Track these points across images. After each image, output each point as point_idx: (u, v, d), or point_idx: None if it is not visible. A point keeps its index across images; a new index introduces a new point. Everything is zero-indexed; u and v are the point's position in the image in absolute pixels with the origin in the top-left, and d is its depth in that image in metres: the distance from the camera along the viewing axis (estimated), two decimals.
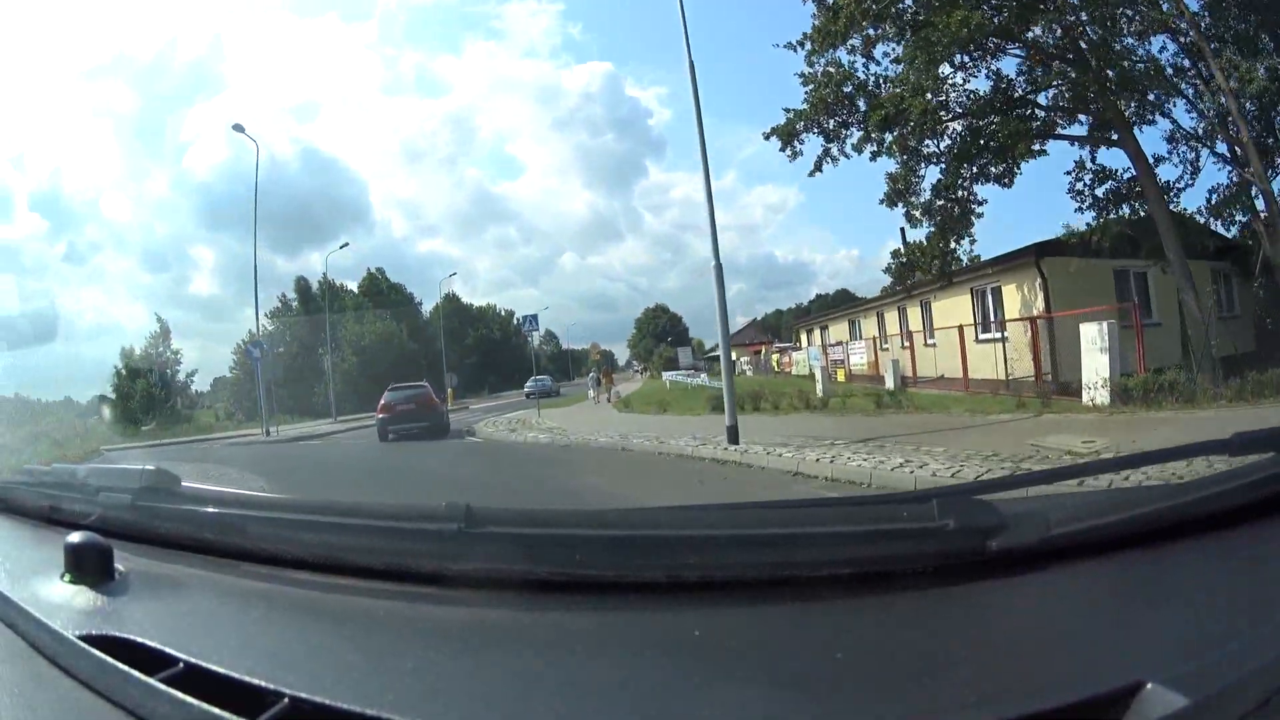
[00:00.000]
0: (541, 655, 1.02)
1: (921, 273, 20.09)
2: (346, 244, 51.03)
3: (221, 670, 0.98)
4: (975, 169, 17.37)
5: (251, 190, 72.28)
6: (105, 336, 54.06)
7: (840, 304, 45.17)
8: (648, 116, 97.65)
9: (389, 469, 15.07)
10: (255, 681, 0.95)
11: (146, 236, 72.90)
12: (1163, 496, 1.25)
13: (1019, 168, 17.33)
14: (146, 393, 48.35)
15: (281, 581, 1.32)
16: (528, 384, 39.95)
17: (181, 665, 1.01)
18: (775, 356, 43.64)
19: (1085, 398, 13.20)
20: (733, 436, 11.96)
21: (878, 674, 0.91)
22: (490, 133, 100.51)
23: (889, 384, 20.65)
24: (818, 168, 17.84)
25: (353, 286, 61.26)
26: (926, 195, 17.85)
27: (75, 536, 1.34)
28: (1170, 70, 16.60)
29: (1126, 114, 16.47)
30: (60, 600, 1.27)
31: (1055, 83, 16.96)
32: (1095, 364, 13.33)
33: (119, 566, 1.35)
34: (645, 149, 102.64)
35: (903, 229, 20.13)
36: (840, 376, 24.67)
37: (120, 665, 1.01)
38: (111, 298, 76.97)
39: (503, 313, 73.28)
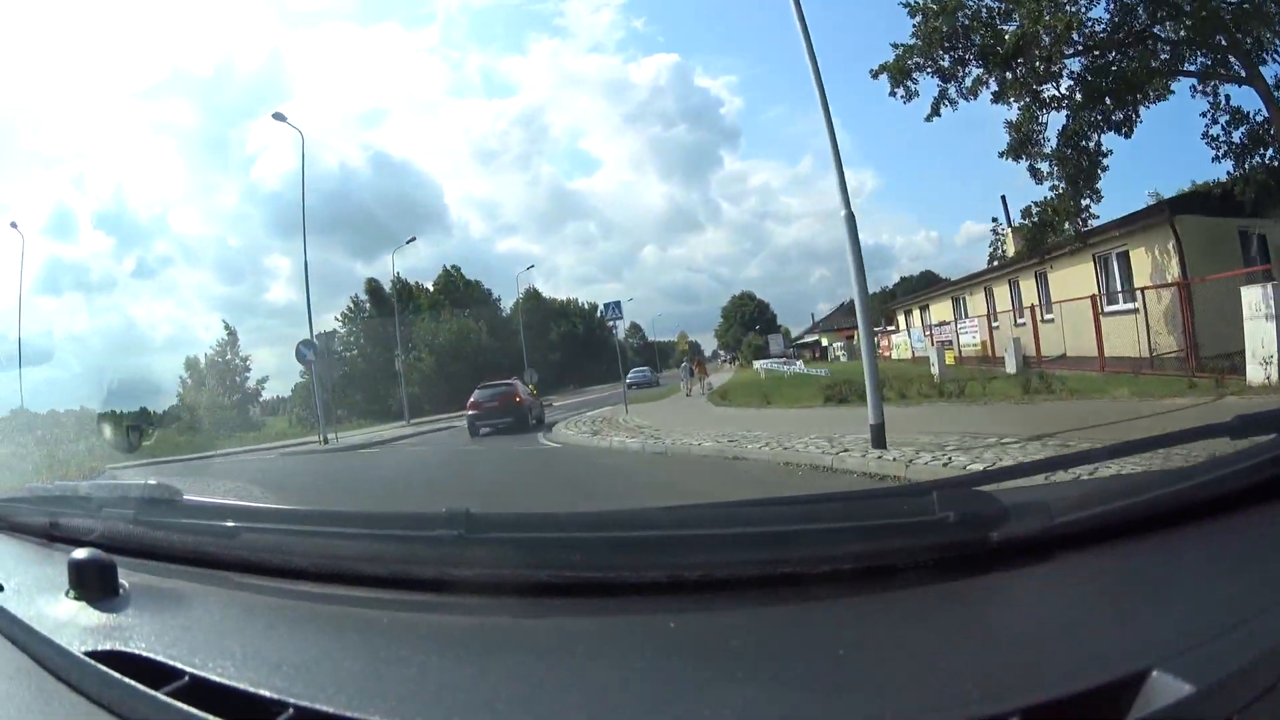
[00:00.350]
0: (544, 659, 1.05)
1: (1054, 234, 18.62)
2: (414, 239, 50.21)
3: (226, 682, 1.01)
4: (1098, 114, 16.40)
5: (323, 199, 76.40)
6: (183, 347, 55.23)
7: (927, 285, 44.40)
8: (719, 106, 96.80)
9: (429, 489, 13.19)
10: (260, 692, 0.98)
11: (219, 248, 74.44)
12: (1165, 482, 1.25)
13: (1139, 115, 16.36)
14: (213, 402, 48.64)
15: (284, 592, 1.34)
16: (629, 374, 41.51)
17: (187, 678, 1.04)
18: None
19: (1255, 374, 11.73)
20: (879, 438, 9.78)
21: (881, 670, 0.92)
22: (562, 130, 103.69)
23: (1009, 366, 19.59)
24: (935, 111, 16.99)
25: (429, 286, 61.53)
26: (1050, 145, 16.93)
27: (78, 553, 1.39)
28: None
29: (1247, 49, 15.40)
30: (65, 617, 1.30)
31: (1177, 12, 15.82)
32: (1261, 334, 11.74)
33: (123, 581, 1.38)
34: (719, 138, 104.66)
35: (1003, 197, 19.61)
36: (949, 359, 23.31)
37: (126, 680, 1.04)
38: (187, 310, 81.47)
39: (585, 306, 72.31)
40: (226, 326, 54.73)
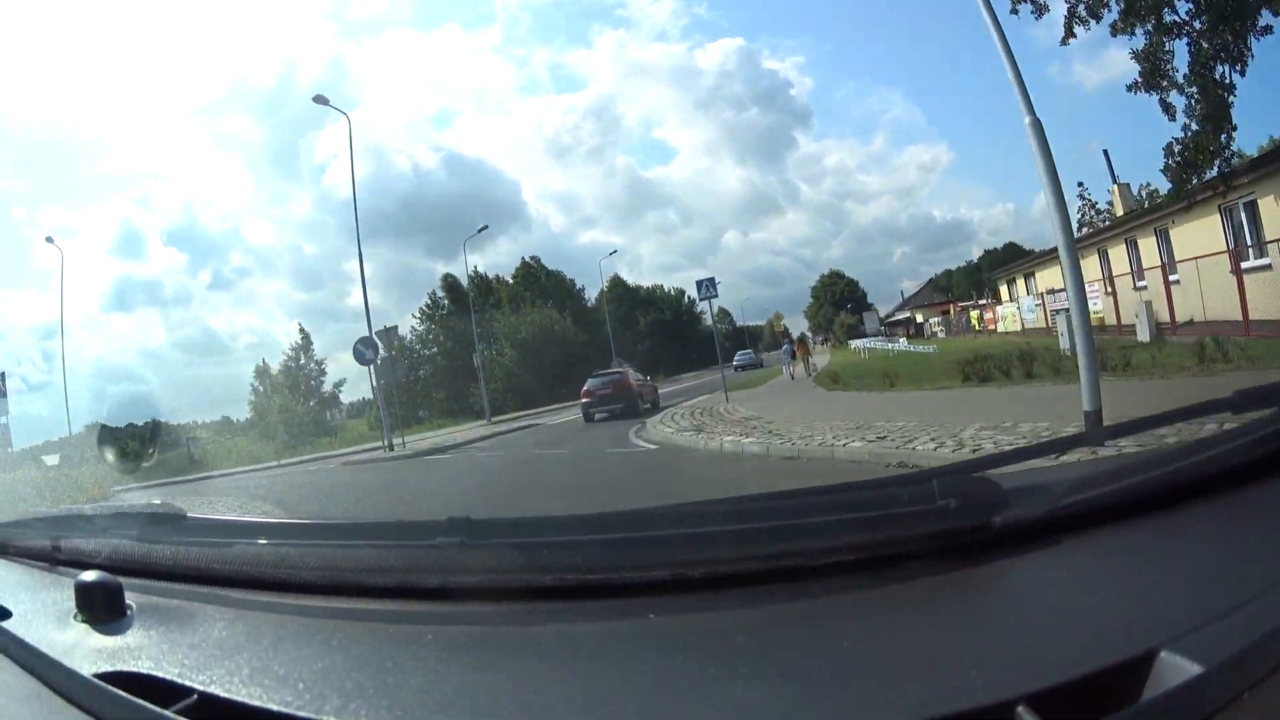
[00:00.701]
0: (549, 662, 1.07)
1: (1198, 176, 16.95)
2: (485, 227, 51.79)
3: (235, 698, 1.04)
4: (1218, 43, 15.27)
5: (399, 202, 78.62)
6: (266, 355, 56.74)
7: (1015, 258, 43.77)
8: (788, 88, 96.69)
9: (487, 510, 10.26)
10: (268, 707, 1.00)
11: (295, 256, 77.49)
12: (1167, 460, 1.26)
13: (1249, 47, 15.09)
14: (286, 407, 48.64)
15: (290, 607, 1.38)
16: (736, 357, 45.52)
17: (196, 696, 1.07)
18: (975, 313, 41.30)
19: None
20: (1096, 430, 6.11)
21: (886, 661, 0.93)
22: (635, 120, 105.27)
23: (1141, 333, 18.91)
24: (1069, 33, 16.00)
25: (509, 279, 61.87)
26: (1180, 75, 15.81)
27: (84, 576, 1.42)
28: None
29: None
30: (74, 640, 1.33)
31: None
32: None
33: (129, 602, 1.41)
34: (791, 120, 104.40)
35: (1105, 151, 18.11)
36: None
37: (136, 700, 1.06)
38: (268, 318, 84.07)
39: (672, 292, 72.40)
40: (301, 330, 55.12)
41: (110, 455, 21.52)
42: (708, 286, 23.06)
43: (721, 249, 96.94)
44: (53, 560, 1.83)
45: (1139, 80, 15.97)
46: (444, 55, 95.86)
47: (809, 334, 69.70)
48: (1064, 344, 17.72)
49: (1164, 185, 17.57)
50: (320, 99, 30.99)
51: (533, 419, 33.44)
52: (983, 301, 43.84)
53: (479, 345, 43.60)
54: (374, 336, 26.58)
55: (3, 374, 34.45)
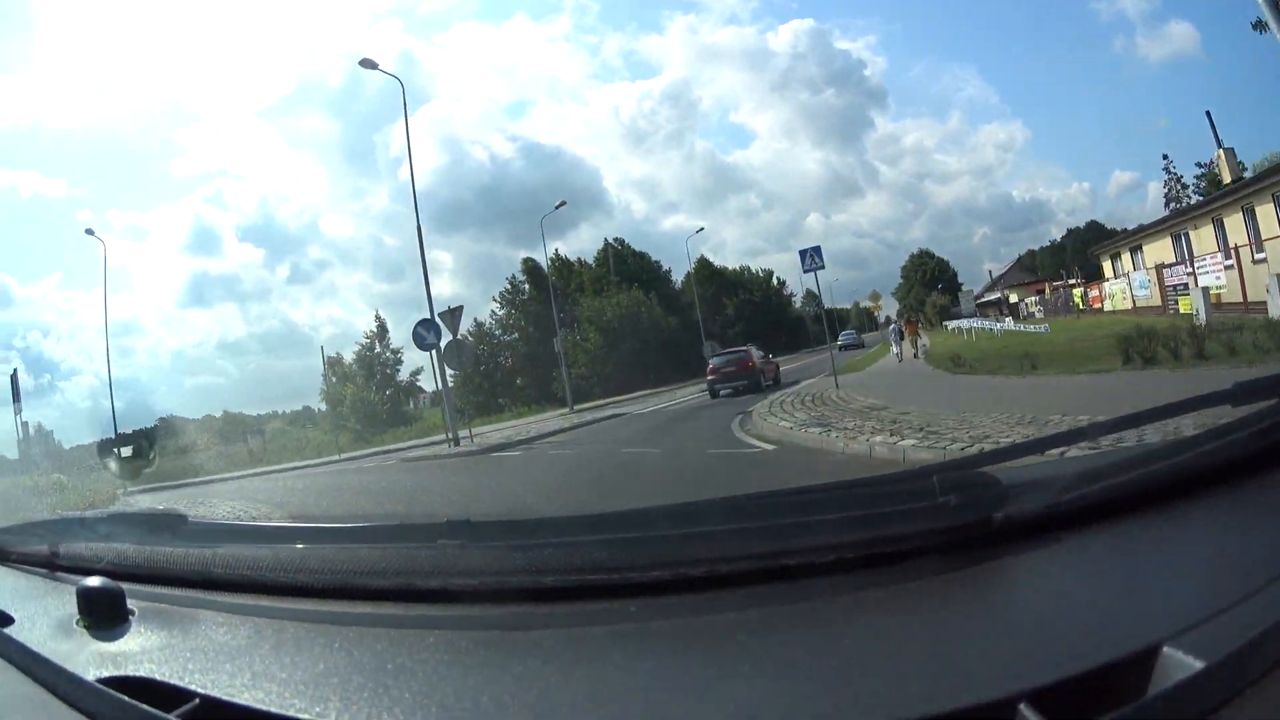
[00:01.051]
0: (550, 663, 1.07)
1: None
2: (563, 203, 47.94)
3: (237, 701, 1.06)
4: None
5: (478, 192, 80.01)
6: (348, 346, 56.14)
7: (1099, 238, 43.76)
8: (862, 68, 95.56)
9: None
10: (270, 710, 1.03)
11: (375, 248, 77.94)
12: (1168, 453, 1.26)
13: None
14: (359, 397, 48.07)
15: (291, 610, 1.40)
16: (840, 337, 47.20)
17: (198, 700, 1.09)
18: (1077, 292, 38.99)
19: None
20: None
21: (888, 658, 0.93)
22: (711, 104, 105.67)
23: (1274, 309, 16.88)
24: None
25: (592, 262, 59.65)
26: None
27: (86, 581, 1.45)
28: None
29: None
30: (77, 645, 1.36)
31: None
32: None
33: (131, 607, 1.45)
34: (867, 100, 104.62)
35: (1208, 112, 17.33)
36: (1183, 307, 21.26)
37: (139, 705, 1.08)
38: (349, 309, 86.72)
39: (760, 273, 69.91)
40: (377, 318, 54.06)
41: (113, 464, 21.50)
42: (813, 256, 20.75)
43: (804, 232, 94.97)
44: (52, 566, 1.86)
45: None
46: (514, 46, 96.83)
47: (894, 316, 69.54)
48: (1202, 319, 16.84)
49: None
50: (367, 62, 28.33)
51: (618, 407, 32.10)
52: (1072, 281, 42.83)
53: (560, 329, 43.58)
54: (436, 319, 23.86)
55: (14, 373, 33.53)
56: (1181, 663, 0.78)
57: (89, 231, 37.95)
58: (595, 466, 13.89)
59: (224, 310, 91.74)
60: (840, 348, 45.46)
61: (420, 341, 23.62)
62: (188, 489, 23.40)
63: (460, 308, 23.27)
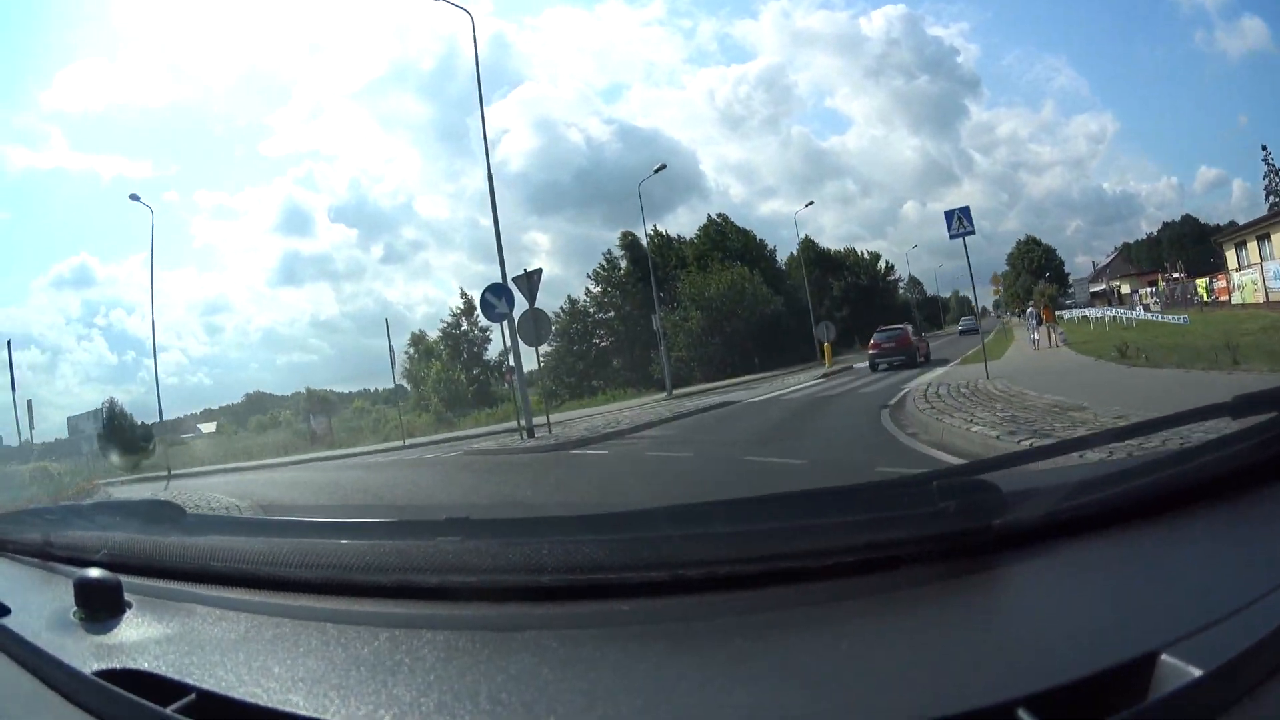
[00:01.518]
0: (549, 663, 1.06)
1: None
2: (663, 166, 43.04)
3: (234, 696, 1.06)
4: None
5: (575, 174, 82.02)
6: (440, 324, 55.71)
7: (1197, 235, 44.91)
8: (955, 55, 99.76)
9: None
10: (267, 705, 1.02)
11: (471, 229, 78.77)
12: (1167, 464, 1.28)
13: None
14: (442, 377, 46.65)
15: (288, 606, 1.39)
16: (960, 323, 52.80)
17: (194, 694, 1.09)
18: (1201, 282, 37.11)
19: None
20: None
21: (885, 664, 0.93)
22: (806, 89, 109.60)
23: None
24: None
25: (693, 238, 57.56)
26: None
27: (83, 572, 1.45)
28: None
29: None
30: (73, 637, 1.36)
31: None
32: None
33: (128, 599, 1.45)
34: (960, 88, 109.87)
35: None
36: None
37: (135, 698, 1.08)
38: (444, 289, 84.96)
39: (866, 255, 68.24)
40: (462, 294, 54.21)
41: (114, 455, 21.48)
42: (960, 219, 16.88)
43: (900, 219, 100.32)
44: (47, 556, 1.86)
45: None
46: (607, 29, 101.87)
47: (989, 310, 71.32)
48: None
49: None
50: None
51: (722, 394, 29.51)
52: (1176, 275, 41.83)
53: (659, 307, 40.58)
54: (510, 284, 19.48)
55: (9, 344, 31.30)
56: (1179, 670, 0.79)
57: (134, 197, 34.66)
58: (710, 480, 9.96)
59: (316, 289, 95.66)
60: (960, 332, 50.90)
61: (489, 310, 19.39)
62: (179, 480, 22.52)
63: (539, 270, 20.78)
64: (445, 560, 1.33)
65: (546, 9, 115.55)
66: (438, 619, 1.25)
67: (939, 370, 21.67)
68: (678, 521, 1.39)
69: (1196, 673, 0.78)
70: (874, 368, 29.05)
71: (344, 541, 1.49)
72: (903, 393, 16.35)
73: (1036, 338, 28.45)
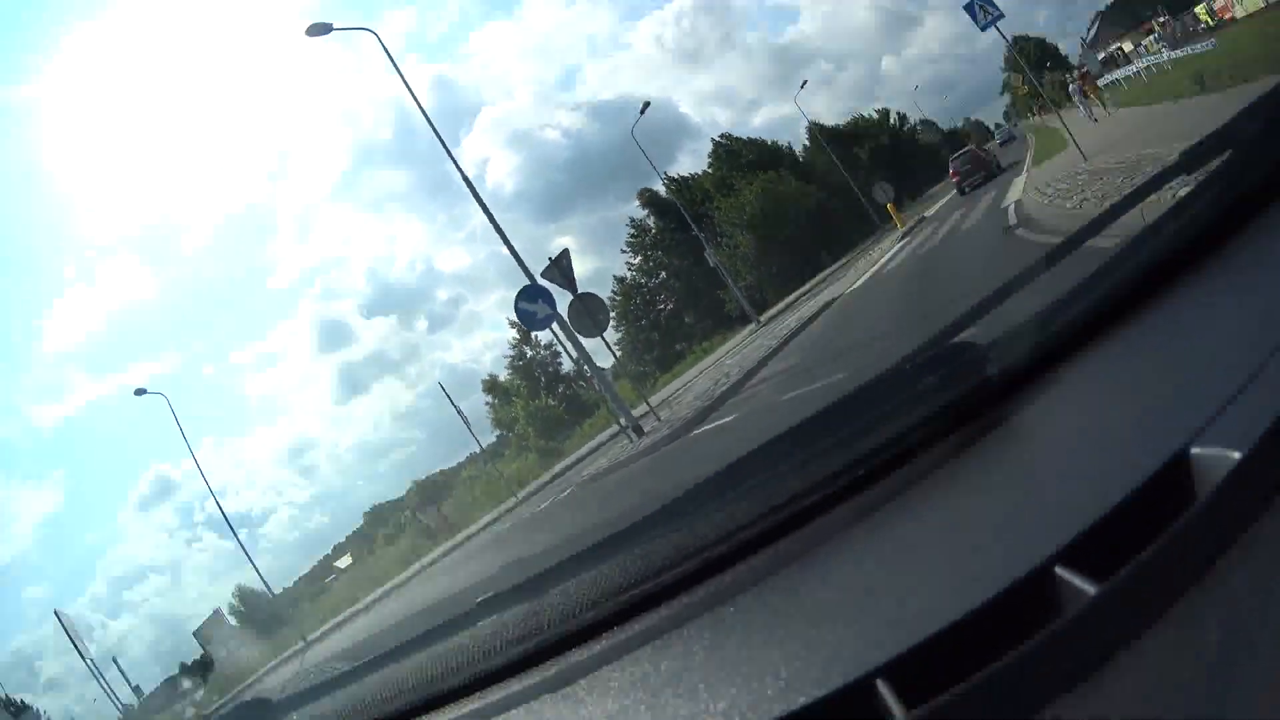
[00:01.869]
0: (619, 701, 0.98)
1: None
2: (648, 104, 40.55)
3: None
4: None
5: (567, 169, 78.30)
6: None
7: None
8: None
9: None
10: None
11: (496, 262, 77.19)
12: (1137, 249, 1.17)
13: None
14: (529, 411, 46.54)
15: None
16: (997, 134, 59.68)
17: None
18: (1200, 8, 33.78)
19: None
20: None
21: (914, 567, 0.86)
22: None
23: None
24: None
25: (707, 169, 57.03)
26: None
27: None
28: None
29: None
30: None
31: None
32: None
33: None
34: None
35: None
36: None
37: None
38: (500, 330, 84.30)
39: (874, 115, 68.37)
40: (511, 324, 51.47)
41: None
42: (982, 8, 15.03)
43: (885, 79, 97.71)
44: None
45: None
46: (536, 24, 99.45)
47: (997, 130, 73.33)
48: None
49: None
50: (317, 29, 19.51)
51: (810, 297, 29.59)
52: (1163, 18, 37.98)
53: (708, 244, 38.43)
54: (539, 279, 16.51)
55: (58, 615, 30.39)
56: (1218, 461, 0.72)
57: (139, 392, 33.19)
58: None
59: (383, 386, 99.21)
60: (1000, 144, 53.23)
61: (530, 320, 16.06)
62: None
63: (565, 251, 17.67)
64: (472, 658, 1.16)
65: (472, 34, 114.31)
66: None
67: (1019, 178, 20.07)
68: (660, 523, 1.19)
69: (1235, 456, 0.71)
70: (962, 191, 30.35)
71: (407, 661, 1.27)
72: (1007, 205, 15.24)
73: (1087, 112, 27.33)
